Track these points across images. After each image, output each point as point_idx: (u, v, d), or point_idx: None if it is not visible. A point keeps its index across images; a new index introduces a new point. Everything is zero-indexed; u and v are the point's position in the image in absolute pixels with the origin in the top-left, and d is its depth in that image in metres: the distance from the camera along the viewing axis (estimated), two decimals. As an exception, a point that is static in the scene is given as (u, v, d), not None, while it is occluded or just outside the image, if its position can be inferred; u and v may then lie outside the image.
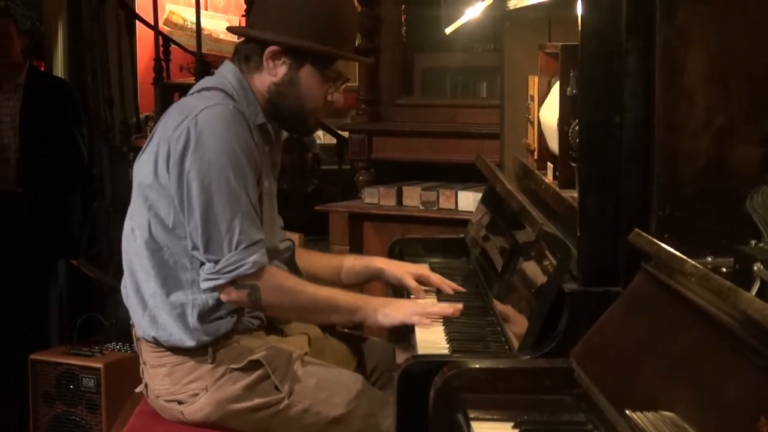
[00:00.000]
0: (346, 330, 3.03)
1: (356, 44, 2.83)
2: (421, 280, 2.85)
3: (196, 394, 2.58)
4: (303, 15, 2.56)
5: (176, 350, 2.59)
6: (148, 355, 2.65)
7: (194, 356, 2.58)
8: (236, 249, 2.47)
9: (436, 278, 2.85)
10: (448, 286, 2.83)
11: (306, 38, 2.55)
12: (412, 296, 2.84)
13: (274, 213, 2.76)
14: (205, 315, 2.55)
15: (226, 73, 2.64)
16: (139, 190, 2.60)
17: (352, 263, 2.97)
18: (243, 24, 6.61)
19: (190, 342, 2.56)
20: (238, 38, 2.81)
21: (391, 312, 2.58)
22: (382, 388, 2.79)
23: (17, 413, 4.80)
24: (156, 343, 2.60)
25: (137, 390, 2.76)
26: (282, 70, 2.60)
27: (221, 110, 2.50)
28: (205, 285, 2.51)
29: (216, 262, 2.48)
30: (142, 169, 2.59)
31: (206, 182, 2.46)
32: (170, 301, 2.56)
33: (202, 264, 2.51)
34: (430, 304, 2.65)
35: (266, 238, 2.57)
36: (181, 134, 2.48)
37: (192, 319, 2.55)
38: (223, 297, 2.52)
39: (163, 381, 2.62)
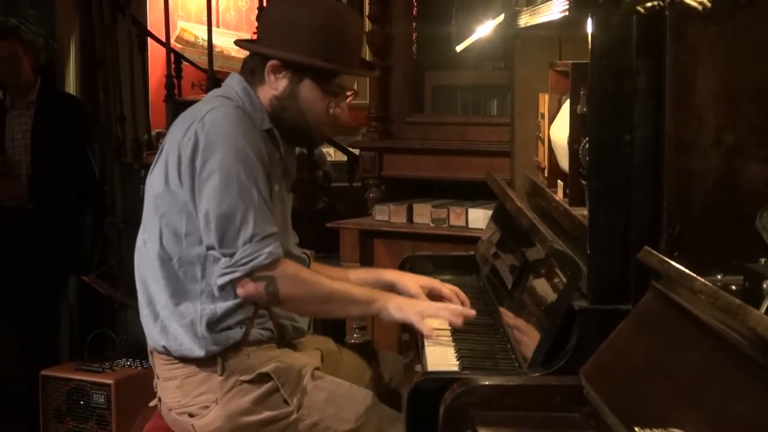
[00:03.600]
0: (358, 342, 3.02)
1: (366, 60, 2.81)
2: (433, 294, 2.85)
3: (207, 407, 2.59)
4: (303, 30, 2.57)
5: (186, 360, 2.60)
6: (160, 368, 2.67)
7: (204, 368, 2.59)
8: (251, 241, 2.47)
9: (448, 290, 2.84)
10: (459, 298, 2.81)
11: (305, 53, 2.57)
12: None
13: (288, 220, 2.78)
14: (214, 324, 2.56)
15: (232, 83, 2.67)
16: (150, 202, 2.62)
17: (363, 276, 2.96)
18: (254, 41, 6.60)
19: (199, 351, 2.57)
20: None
21: (405, 306, 2.59)
22: (396, 401, 2.78)
23: (28, 429, 4.81)
24: (167, 353, 2.62)
25: (151, 404, 2.76)
26: (282, 83, 2.61)
27: (226, 110, 2.53)
28: (221, 280, 2.52)
29: (231, 255, 2.48)
30: (153, 181, 2.61)
31: (217, 179, 2.48)
32: (179, 311, 2.58)
33: (217, 260, 2.51)
34: (443, 306, 2.65)
35: (280, 240, 2.58)
36: (189, 138, 2.51)
37: (201, 328, 2.56)
38: (240, 291, 2.52)
39: (175, 393, 2.63)
